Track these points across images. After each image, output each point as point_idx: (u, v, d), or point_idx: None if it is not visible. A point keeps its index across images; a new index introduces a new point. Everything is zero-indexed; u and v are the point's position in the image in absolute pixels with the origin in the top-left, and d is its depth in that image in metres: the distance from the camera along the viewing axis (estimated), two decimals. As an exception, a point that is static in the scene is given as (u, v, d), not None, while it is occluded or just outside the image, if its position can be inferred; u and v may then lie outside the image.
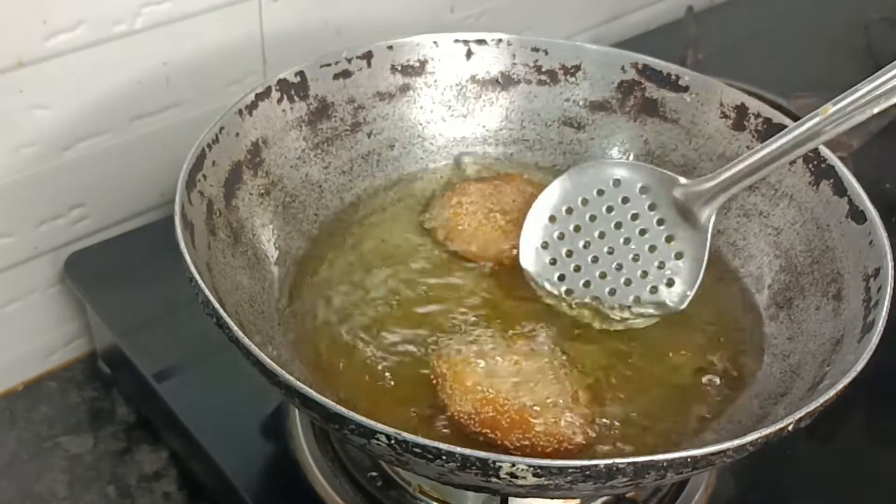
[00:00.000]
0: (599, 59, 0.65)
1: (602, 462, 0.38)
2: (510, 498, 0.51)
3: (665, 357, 0.55)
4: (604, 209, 0.57)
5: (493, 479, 0.39)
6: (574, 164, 0.66)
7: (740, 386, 0.53)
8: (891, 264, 0.50)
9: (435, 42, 0.65)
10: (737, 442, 0.40)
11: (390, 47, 0.64)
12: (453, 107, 0.66)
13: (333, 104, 0.62)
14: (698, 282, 0.55)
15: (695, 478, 0.56)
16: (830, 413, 0.43)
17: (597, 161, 0.62)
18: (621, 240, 0.57)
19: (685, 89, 0.63)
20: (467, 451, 0.38)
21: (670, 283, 0.55)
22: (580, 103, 0.66)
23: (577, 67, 0.66)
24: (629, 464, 0.39)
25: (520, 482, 0.39)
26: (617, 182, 0.57)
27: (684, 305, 0.55)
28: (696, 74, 0.63)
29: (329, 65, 0.62)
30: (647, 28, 1.03)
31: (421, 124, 0.66)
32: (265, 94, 0.59)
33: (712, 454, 0.40)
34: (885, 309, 0.48)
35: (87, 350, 0.72)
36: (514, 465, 0.38)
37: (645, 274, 0.56)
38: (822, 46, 0.99)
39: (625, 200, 0.57)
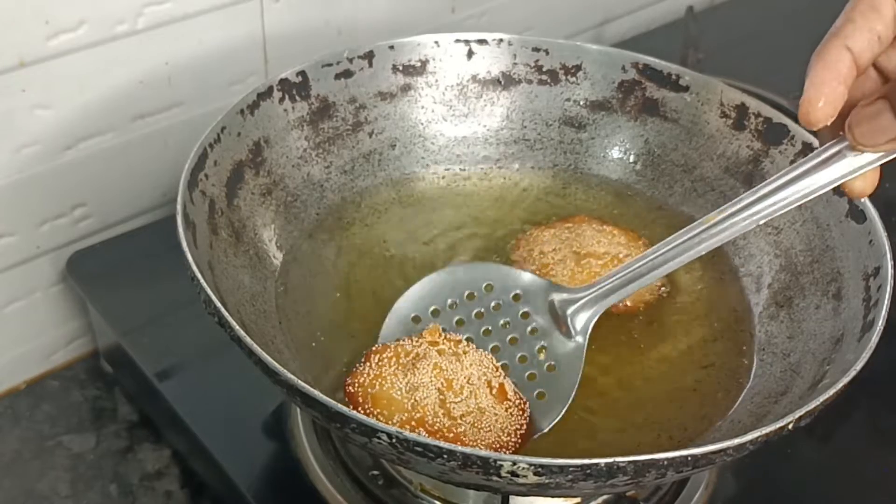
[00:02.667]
0: (600, 58, 0.65)
1: (603, 461, 0.38)
2: (511, 496, 0.51)
3: (665, 356, 0.55)
4: (473, 314, 0.53)
5: (494, 478, 0.39)
6: (575, 163, 0.67)
7: (740, 385, 0.53)
8: (890, 263, 0.50)
9: (436, 42, 0.65)
10: (737, 441, 0.40)
11: (392, 47, 0.64)
12: (454, 106, 0.66)
13: (335, 104, 0.62)
14: (569, 401, 0.49)
15: (695, 476, 0.57)
16: (830, 412, 0.43)
17: (470, 263, 0.57)
18: (490, 347, 0.52)
19: (685, 89, 0.64)
20: (468, 450, 0.38)
21: (540, 397, 0.50)
22: (581, 103, 0.66)
23: (578, 67, 0.66)
24: (630, 462, 0.39)
25: (521, 480, 0.39)
26: (489, 287, 0.53)
27: (549, 426, 0.49)
28: (697, 74, 0.64)
29: (330, 64, 0.62)
30: (647, 28, 1.03)
31: (422, 124, 0.66)
32: (267, 93, 0.59)
33: (712, 453, 0.40)
34: (884, 308, 0.48)
35: (90, 349, 0.72)
36: (514, 463, 0.38)
37: (515, 385, 0.50)
38: (822, 46, 0.99)
39: (496, 307, 0.53)
